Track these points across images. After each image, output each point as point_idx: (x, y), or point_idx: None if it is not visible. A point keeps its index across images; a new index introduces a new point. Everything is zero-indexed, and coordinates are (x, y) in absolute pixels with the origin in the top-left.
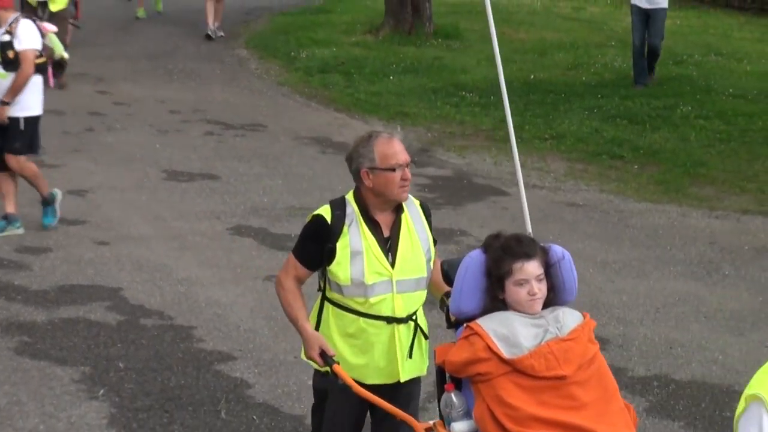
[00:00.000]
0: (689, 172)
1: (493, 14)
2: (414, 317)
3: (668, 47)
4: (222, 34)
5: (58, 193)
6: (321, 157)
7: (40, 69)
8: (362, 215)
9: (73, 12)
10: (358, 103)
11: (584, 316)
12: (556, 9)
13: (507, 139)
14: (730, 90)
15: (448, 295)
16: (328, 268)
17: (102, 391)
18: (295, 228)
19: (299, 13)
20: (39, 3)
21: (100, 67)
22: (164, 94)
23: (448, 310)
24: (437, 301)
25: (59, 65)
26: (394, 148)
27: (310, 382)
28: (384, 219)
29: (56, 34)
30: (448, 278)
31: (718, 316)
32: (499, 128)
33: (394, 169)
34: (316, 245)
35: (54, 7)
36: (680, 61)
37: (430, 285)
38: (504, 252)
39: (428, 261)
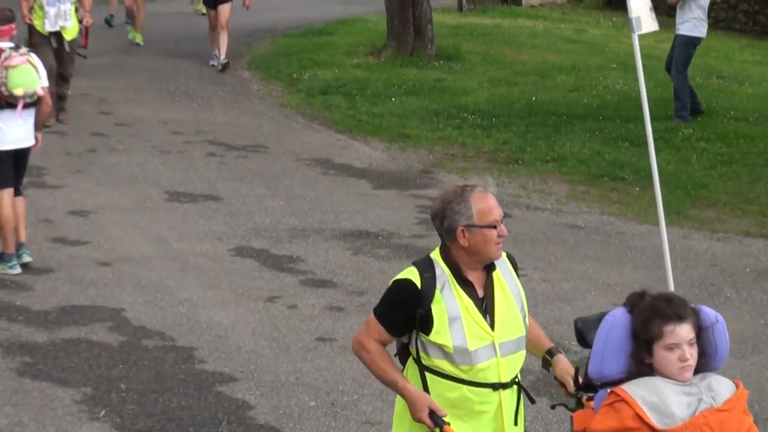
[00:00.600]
0: (691, 195)
1: (496, 36)
2: (517, 380)
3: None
4: (227, 61)
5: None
6: (323, 178)
7: None
8: (454, 276)
9: (80, 41)
10: (360, 124)
11: (737, 385)
12: (557, 31)
13: (509, 161)
14: (732, 112)
15: (550, 353)
16: (425, 336)
17: (103, 412)
18: (297, 250)
19: (301, 35)
20: (51, 33)
21: (103, 88)
22: (166, 115)
23: (576, 372)
24: (539, 359)
25: (60, 99)
26: (490, 203)
27: (312, 404)
28: (476, 278)
29: (63, 62)
30: (583, 338)
31: None
32: (501, 150)
33: (494, 227)
34: (405, 312)
35: (67, 36)
36: None
37: (528, 343)
38: (653, 313)
39: (524, 318)
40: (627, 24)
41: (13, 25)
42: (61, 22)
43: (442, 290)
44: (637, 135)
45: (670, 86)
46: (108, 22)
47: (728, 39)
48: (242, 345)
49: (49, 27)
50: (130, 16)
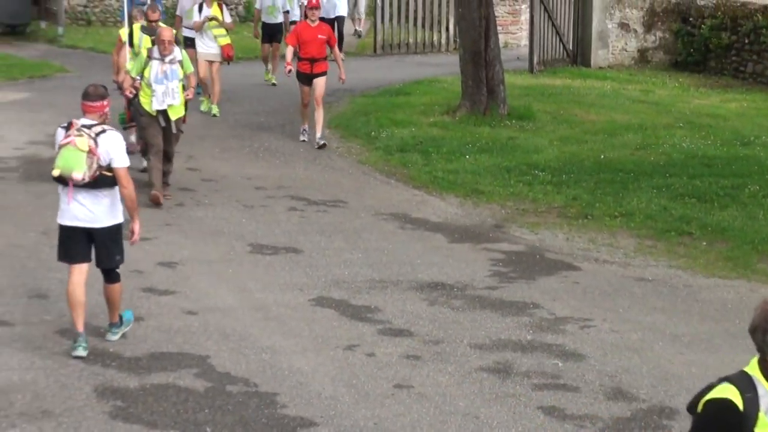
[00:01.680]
0: (757, 249)
1: (566, 96)
2: None
3: (735, 129)
4: (324, 142)
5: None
6: (400, 232)
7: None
8: None
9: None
10: (436, 180)
11: None
12: (625, 92)
13: (578, 216)
14: None
15: None
16: None
17: None
18: (375, 300)
19: (379, 95)
20: (158, 111)
21: (190, 145)
22: (250, 171)
23: None
24: None
25: (164, 175)
26: None
27: None
28: None
29: (168, 141)
30: None
31: None
32: (570, 205)
33: None
34: None
35: (173, 115)
36: (748, 142)
37: None
38: None
39: None
40: (694, 85)
41: (104, 103)
42: (168, 101)
43: (767, 413)
44: (703, 191)
45: (736, 145)
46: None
47: None
48: (322, 391)
49: (156, 105)
50: (203, 87)
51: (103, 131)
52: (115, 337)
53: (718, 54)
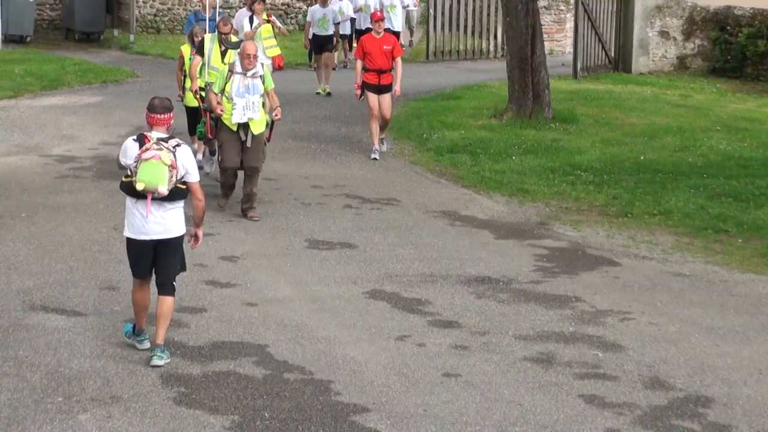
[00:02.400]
0: None
1: (607, 101)
2: None
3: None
4: (376, 157)
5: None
6: (450, 229)
7: (125, 189)
8: None
9: (266, 135)
10: (484, 180)
11: None
12: (664, 96)
13: (619, 215)
14: None
15: None
16: None
17: None
18: (426, 293)
19: (432, 99)
20: (239, 125)
21: None
22: (308, 171)
23: None
24: None
25: (247, 198)
26: None
27: None
28: None
29: (248, 156)
30: None
31: None
32: (611, 204)
33: None
34: None
35: (255, 129)
36: None
37: None
38: None
39: None
40: (731, 90)
41: (170, 115)
42: (249, 114)
43: None
44: (739, 191)
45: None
46: None
47: None
48: (375, 379)
49: (237, 118)
50: None
51: (179, 145)
52: (162, 362)
53: (755, 61)
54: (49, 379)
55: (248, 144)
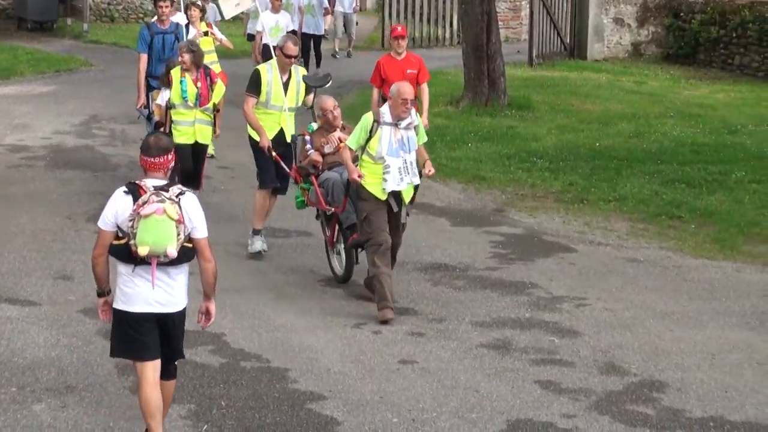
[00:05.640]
0: (743, 232)
1: (563, 87)
2: None
3: (723, 118)
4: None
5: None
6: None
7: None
8: None
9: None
10: (440, 167)
11: None
12: (619, 83)
13: (575, 201)
14: None
15: None
16: None
17: (205, 427)
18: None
19: None
20: (390, 194)
21: None
22: None
23: None
24: None
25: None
26: None
27: (395, 420)
28: None
29: (397, 228)
30: None
31: None
32: (567, 191)
33: None
34: None
35: (406, 197)
36: (735, 130)
37: None
38: None
39: None
40: (684, 77)
41: (168, 157)
42: (408, 178)
43: None
44: (692, 177)
45: (724, 133)
46: None
47: None
48: (331, 367)
49: (392, 185)
50: None
51: (182, 193)
52: None
53: (708, 47)
54: (2, 369)
55: (403, 218)
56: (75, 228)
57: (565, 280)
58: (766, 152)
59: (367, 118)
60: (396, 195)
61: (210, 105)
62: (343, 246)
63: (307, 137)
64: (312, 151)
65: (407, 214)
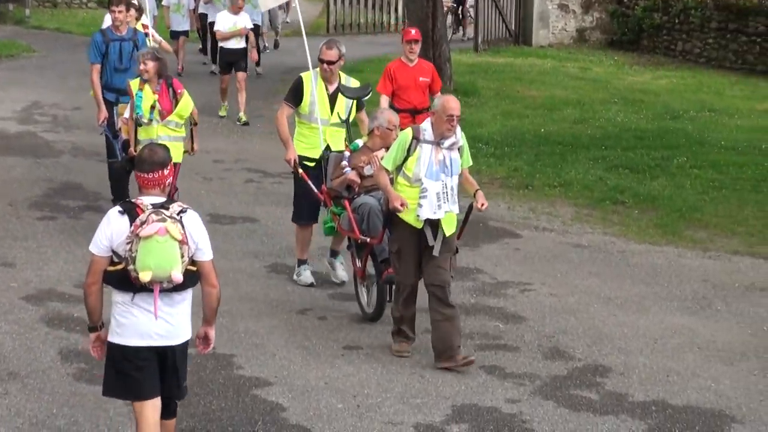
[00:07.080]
0: (685, 217)
1: (508, 74)
2: None
3: (665, 103)
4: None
5: None
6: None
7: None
8: None
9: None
10: None
11: None
12: (564, 69)
13: (520, 187)
14: (722, 142)
15: None
16: None
17: None
18: (326, 267)
19: None
20: (426, 223)
21: None
22: (209, 146)
23: None
24: None
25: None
26: None
27: (340, 406)
28: None
29: (434, 265)
30: None
31: (710, 347)
32: (512, 176)
33: None
34: None
35: (447, 229)
36: (677, 116)
37: None
38: None
39: None
40: (628, 63)
41: (164, 172)
42: (447, 206)
43: None
44: (636, 162)
45: (666, 119)
46: None
47: (719, 76)
48: (276, 352)
49: (428, 213)
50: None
51: (184, 211)
52: None
53: (651, 33)
54: None
55: (435, 251)
56: (17, 215)
57: (510, 266)
58: (707, 138)
59: (406, 134)
60: (433, 225)
61: (175, 119)
62: (375, 281)
63: (347, 153)
64: (348, 170)
65: (456, 250)
